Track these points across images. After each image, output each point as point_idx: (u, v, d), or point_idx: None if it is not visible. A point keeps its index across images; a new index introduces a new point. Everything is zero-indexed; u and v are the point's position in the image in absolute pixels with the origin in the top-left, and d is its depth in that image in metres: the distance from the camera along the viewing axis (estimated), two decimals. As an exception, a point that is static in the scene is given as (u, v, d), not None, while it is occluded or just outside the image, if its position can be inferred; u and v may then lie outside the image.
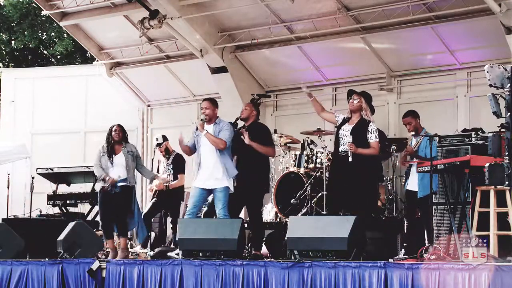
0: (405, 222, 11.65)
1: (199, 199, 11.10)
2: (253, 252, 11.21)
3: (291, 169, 12.94)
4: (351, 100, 10.63)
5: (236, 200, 11.21)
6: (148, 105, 17.13)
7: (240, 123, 11.73)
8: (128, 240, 12.68)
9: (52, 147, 17.29)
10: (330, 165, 11.57)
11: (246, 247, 11.32)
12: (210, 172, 11.02)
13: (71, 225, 11.98)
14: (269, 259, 10.77)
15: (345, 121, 10.62)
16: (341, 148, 10.47)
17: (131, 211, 11.98)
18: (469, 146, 10.44)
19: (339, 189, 10.52)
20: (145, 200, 16.06)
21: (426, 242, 10.67)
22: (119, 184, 11.85)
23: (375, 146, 10.48)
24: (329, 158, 12.26)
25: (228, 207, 10.97)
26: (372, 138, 10.45)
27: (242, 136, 11.34)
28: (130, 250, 12.79)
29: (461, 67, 13.51)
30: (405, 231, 11.63)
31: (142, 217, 13.36)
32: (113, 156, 11.96)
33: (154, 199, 13.47)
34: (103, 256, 12.21)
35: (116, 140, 12.04)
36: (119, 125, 12.14)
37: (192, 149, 11.33)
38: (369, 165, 10.48)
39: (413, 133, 11.60)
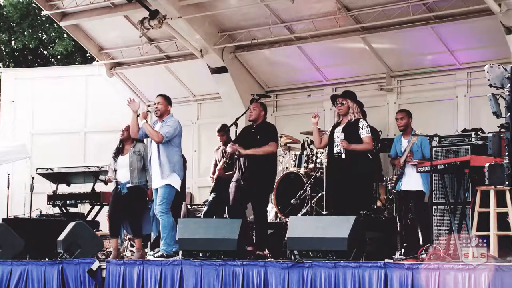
0: (398, 223, 11.58)
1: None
2: (256, 252, 11.12)
3: (291, 169, 12.93)
4: (337, 105, 10.71)
5: (241, 198, 11.17)
6: (148, 105, 17.07)
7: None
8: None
9: (52, 147, 17.27)
10: (326, 168, 11.56)
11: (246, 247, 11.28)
12: (155, 171, 11.07)
13: (71, 225, 11.96)
14: (269, 259, 10.75)
15: (336, 125, 10.72)
16: (335, 150, 10.55)
17: (142, 212, 11.80)
18: (469, 146, 10.44)
19: (336, 191, 10.59)
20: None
21: (421, 241, 10.69)
22: (127, 185, 11.74)
23: (368, 140, 10.54)
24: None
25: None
26: (364, 133, 10.53)
27: (236, 152, 11.16)
28: (131, 249, 12.78)
29: (461, 67, 13.51)
30: (401, 231, 11.58)
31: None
32: (119, 156, 11.90)
33: (155, 199, 13.46)
34: (103, 256, 12.20)
35: (122, 139, 11.99)
36: (127, 125, 12.06)
37: (139, 135, 11.29)
38: (363, 163, 10.54)
39: (402, 129, 11.48)
